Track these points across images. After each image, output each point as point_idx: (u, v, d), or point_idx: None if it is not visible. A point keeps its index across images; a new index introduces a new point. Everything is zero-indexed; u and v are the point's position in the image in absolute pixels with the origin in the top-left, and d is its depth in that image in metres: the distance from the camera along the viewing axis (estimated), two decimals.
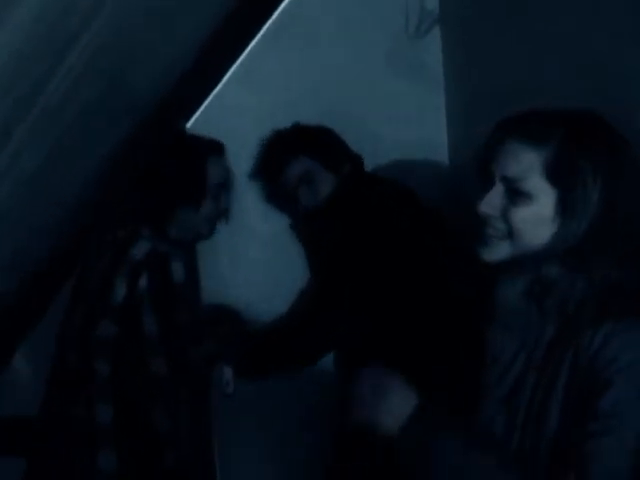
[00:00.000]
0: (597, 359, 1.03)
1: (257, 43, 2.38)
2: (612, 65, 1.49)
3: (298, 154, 2.14)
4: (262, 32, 2.38)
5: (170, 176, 2.00)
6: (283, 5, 2.37)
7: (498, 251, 1.16)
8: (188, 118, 2.34)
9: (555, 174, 1.11)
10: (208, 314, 2.22)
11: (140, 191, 2.04)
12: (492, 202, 1.15)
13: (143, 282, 1.89)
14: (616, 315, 1.06)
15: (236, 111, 2.35)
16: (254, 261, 2.39)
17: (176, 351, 1.93)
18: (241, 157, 2.28)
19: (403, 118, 2.40)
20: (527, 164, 1.12)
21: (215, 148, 2.06)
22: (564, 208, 1.12)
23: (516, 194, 1.13)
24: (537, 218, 1.13)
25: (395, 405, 1.13)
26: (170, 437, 1.95)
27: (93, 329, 1.91)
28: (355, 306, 1.98)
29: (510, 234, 1.15)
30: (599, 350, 1.04)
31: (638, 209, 1.13)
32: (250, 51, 2.38)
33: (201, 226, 2.05)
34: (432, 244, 2.01)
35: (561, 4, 1.72)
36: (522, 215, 1.13)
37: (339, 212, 2.07)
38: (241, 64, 2.38)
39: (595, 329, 1.05)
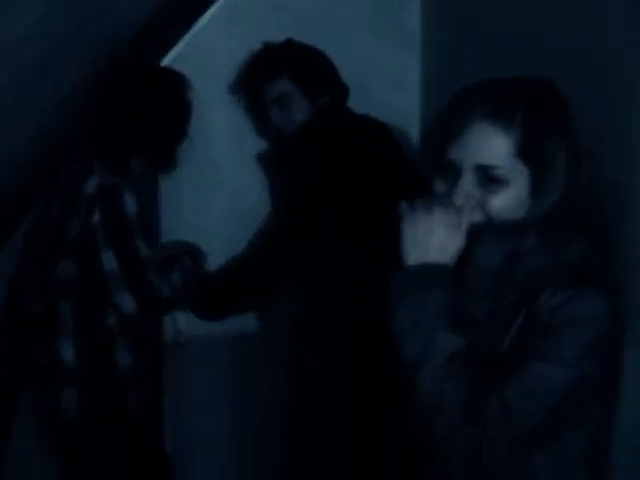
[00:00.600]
0: (551, 316, 1.09)
1: None
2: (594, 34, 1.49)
3: (279, 75, 2.12)
4: None
5: (154, 108, 1.99)
6: None
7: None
8: (160, 57, 2.31)
9: (527, 153, 1.11)
10: (168, 249, 2.21)
11: (105, 124, 2.00)
12: (467, 192, 1.14)
13: (96, 217, 1.88)
14: (572, 284, 1.10)
15: (210, 54, 2.31)
16: (219, 208, 2.39)
17: (140, 286, 1.92)
18: (212, 101, 2.27)
19: (376, 76, 2.38)
20: (500, 149, 1.11)
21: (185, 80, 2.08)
22: (538, 186, 1.13)
23: (492, 182, 1.12)
24: (514, 201, 1.13)
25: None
26: (134, 376, 1.98)
27: (53, 269, 1.92)
28: (315, 238, 1.98)
29: (487, 219, 1.14)
30: (553, 310, 1.09)
31: (594, 178, 1.16)
32: None
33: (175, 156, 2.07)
34: (403, 179, 2.00)
35: None
36: (499, 202, 1.13)
37: (309, 142, 2.05)
38: (219, 8, 2.34)
39: (554, 293, 1.09)
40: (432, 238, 1.12)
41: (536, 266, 1.13)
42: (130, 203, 1.90)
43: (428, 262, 1.12)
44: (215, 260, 2.26)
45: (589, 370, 1.08)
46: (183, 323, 2.23)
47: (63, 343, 1.91)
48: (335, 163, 1.97)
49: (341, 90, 2.17)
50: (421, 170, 2.12)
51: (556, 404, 1.07)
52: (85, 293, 1.93)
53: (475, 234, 1.14)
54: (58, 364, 1.92)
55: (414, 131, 2.42)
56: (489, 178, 1.13)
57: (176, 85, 2.05)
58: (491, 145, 1.12)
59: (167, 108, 2.02)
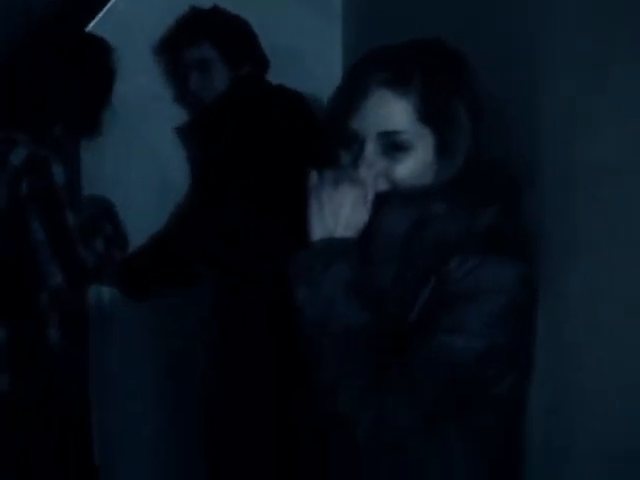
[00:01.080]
0: (459, 284, 1.07)
1: None
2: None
3: (202, 39, 2.10)
4: None
5: (77, 73, 1.95)
6: None
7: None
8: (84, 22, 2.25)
9: (429, 116, 1.10)
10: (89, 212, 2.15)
11: (26, 90, 1.93)
12: (371, 162, 1.11)
13: (24, 188, 1.84)
14: (482, 251, 1.09)
15: (134, 18, 2.27)
16: (139, 178, 2.34)
17: (69, 257, 1.88)
18: (135, 67, 2.20)
19: (298, 47, 2.35)
20: (401, 113, 1.10)
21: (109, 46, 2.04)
22: (443, 149, 1.11)
23: (397, 148, 1.11)
24: (419, 167, 1.11)
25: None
26: (63, 353, 1.94)
27: None
28: (227, 208, 1.98)
29: (394, 187, 1.12)
30: (461, 278, 1.07)
31: (501, 142, 1.16)
32: None
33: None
34: (315, 149, 2.00)
35: None
36: (405, 169, 1.11)
37: (226, 112, 2.04)
38: None
39: (463, 260, 1.08)
40: (338, 213, 1.11)
41: (444, 232, 1.11)
42: (58, 174, 1.86)
43: (334, 237, 1.11)
44: (137, 233, 2.21)
45: (499, 339, 1.07)
46: (107, 295, 2.19)
47: None
48: (248, 133, 1.97)
49: (262, 62, 2.17)
50: None
51: (462, 375, 1.06)
52: (14, 266, 1.88)
53: (381, 203, 1.12)
54: None
55: None
56: (393, 145, 1.11)
57: (99, 51, 2.01)
58: (392, 111, 1.10)
59: (90, 73, 1.98)
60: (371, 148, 1.12)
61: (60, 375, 1.95)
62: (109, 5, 2.28)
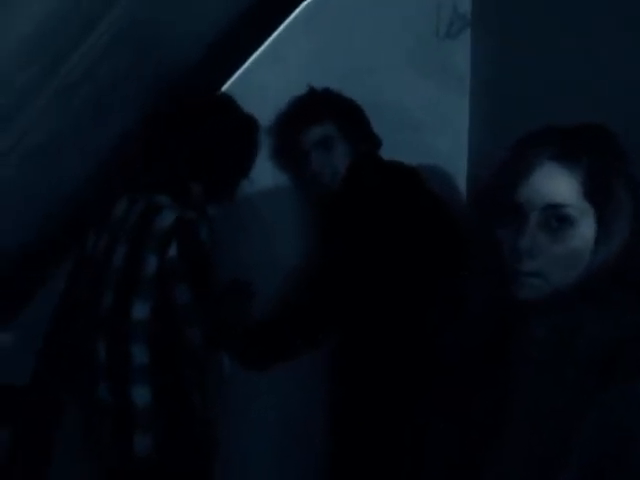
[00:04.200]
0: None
1: (287, 26, 2.36)
2: None
3: (324, 118, 2.13)
4: (293, 15, 2.36)
5: (225, 143, 1.99)
6: None
7: (533, 290, 1.10)
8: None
9: (593, 192, 1.08)
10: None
11: (170, 151, 1.97)
12: (533, 236, 1.10)
13: (173, 251, 1.83)
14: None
15: (260, 91, 2.32)
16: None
17: (210, 320, 1.88)
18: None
19: (423, 120, 2.38)
20: (568, 187, 1.09)
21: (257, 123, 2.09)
22: (604, 227, 1.08)
23: (561, 221, 1.09)
24: (579, 244, 1.08)
25: None
26: (204, 417, 1.93)
27: (127, 310, 1.85)
28: (356, 291, 1.95)
29: (547, 271, 1.09)
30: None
31: None
32: (279, 33, 2.36)
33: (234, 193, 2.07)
34: (446, 236, 1.99)
35: (597, 17, 1.69)
36: (565, 246, 1.09)
37: (355, 195, 2.04)
38: (269, 45, 2.36)
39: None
40: None
41: (597, 341, 1.03)
42: (204, 235, 1.87)
43: None
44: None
45: None
46: (226, 361, 2.19)
47: (136, 387, 1.84)
48: (372, 208, 1.97)
49: (375, 140, 2.20)
50: (467, 213, 2.11)
51: None
52: (160, 333, 1.86)
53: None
54: (129, 408, 1.85)
55: (461, 175, 2.40)
56: (558, 217, 1.09)
57: (248, 123, 2.06)
58: (560, 184, 1.09)
59: (237, 141, 2.02)
60: (535, 219, 1.10)
61: (201, 444, 1.93)
62: (234, 78, 2.35)
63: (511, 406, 1.08)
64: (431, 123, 2.38)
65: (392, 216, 1.96)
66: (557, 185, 1.09)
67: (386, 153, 2.17)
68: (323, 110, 2.15)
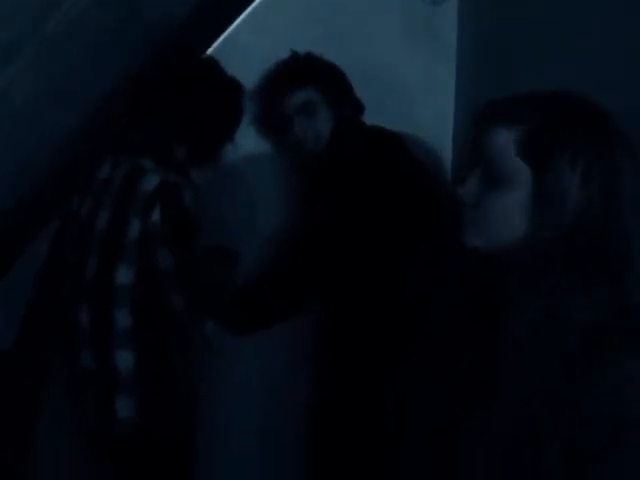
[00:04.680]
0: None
1: None
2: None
3: (307, 82, 2.12)
4: None
5: (210, 107, 1.95)
6: None
7: (475, 240, 1.12)
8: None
9: (529, 152, 1.07)
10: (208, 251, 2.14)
11: (155, 111, 1.92)
12: (470, 185, 1.12)
13: (156, 215, 1.81)
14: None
15: (243, 56, 2.30)
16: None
17: (193, 284, 1.86)
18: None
19: (409, 86, 2.37)
20: (502, 142, 1.08)
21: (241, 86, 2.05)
22: (539, 193, 1.06)
23: (493, 174, 1.09)
24: (512, 203, 1.08)
25: None
26: (186, 380, 1.93)
27: (111, 275, 1.83)
28: (339, 254, 1.96)
29: (485, 222, 1.10)
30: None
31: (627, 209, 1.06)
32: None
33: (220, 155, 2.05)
34: (425, 198, 2.00)
35: None
36: (498, 202, 1.09)
37: (337, 159, 2.05)
38: (254, 9, 2.34)
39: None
40: None
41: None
42: (188, 198, 1.84)
43: None
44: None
45: None
46: (210, 327, 2.20)
47: (119, 352, 1.84)
48: (356, 173, 1.97)
49: (358, 106, 2.19)
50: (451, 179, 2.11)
51: None
52: (143, 298, 1.85)
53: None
54: (112, 373, 1.85)
55: (446, 141, 2.40)
56: (490, 170, 1.09)
57: (233, 86, 2.03)
58: (495, 139, 1.09)
59: (221, 105, 1.99)
60: (476, 171, 1.11)
61: (183, 407, 1.94)
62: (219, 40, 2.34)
63: (495, 375, 1.08)
64: (417, 89, 2.38)
65: (374, 181, 1.96)
66: (493, 141, 1.09)
67: (371, 119, 2.16)
68: (306, 75, 2.13)
